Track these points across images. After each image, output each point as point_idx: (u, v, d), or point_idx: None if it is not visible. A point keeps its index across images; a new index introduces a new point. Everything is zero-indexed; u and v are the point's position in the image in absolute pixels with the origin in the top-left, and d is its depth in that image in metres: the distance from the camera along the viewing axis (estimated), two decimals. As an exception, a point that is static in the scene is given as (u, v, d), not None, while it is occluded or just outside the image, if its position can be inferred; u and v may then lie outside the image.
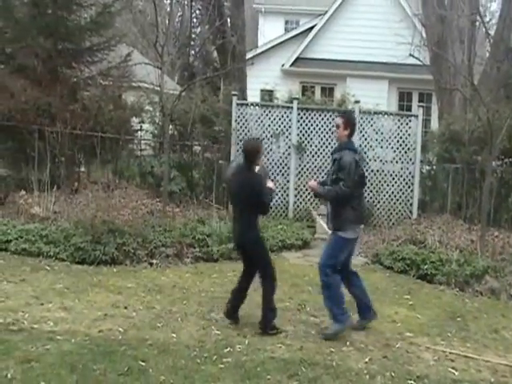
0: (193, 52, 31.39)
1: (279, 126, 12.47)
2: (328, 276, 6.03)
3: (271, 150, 12.49)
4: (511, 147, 11.67)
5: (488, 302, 7.68)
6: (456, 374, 5.32)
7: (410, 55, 13.33)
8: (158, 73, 12.50)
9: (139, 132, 14.14)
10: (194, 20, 31.83)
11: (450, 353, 5.79)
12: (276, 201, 12.29)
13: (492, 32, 15.87)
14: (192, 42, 30.66)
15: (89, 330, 5.73)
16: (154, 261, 8.45)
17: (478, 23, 16.18)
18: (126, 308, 6.46)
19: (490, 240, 9.58)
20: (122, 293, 7.01)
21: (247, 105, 12.77)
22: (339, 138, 6.19)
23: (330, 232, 6.26)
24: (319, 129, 12.43)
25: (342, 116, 6.34)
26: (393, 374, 5.17)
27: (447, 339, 6.18)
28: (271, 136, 12.44)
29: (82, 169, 12.85)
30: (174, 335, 5.73)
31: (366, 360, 5.47)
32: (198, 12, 29.91)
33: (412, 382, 5.06)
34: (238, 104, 12.55)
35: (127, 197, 10.61)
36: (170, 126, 12.46)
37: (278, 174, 12.40)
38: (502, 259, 8.81)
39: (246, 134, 12.44)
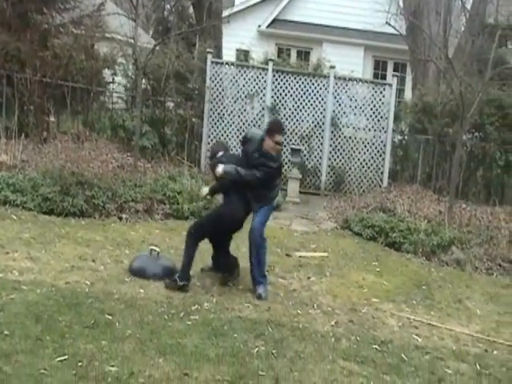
0: (168, 6, 30.64)
1: (254, 87, 12.34)
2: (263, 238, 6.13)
3: (245, 110, 12.37)
4: (482, 122, 11.80)
5: (453, 273, 7.81)
6: (419, 340, 5.41)
7: (387, 23, 13.21)
8: (132, 25, 12.11)
9: (111, 84, 13.79)
10: (171, -28, 30.99)
11: (415, 320, 5.89)
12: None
13: (468, 6, 15.85)
14: (168, -4, 29.89)
15: (55, 281, 5.62)
16: (124, 215, 8.33)
17: (454, -5, 16.13)
18: (93, 261, 6.35)
19: (458, 212, 9.70)
20: (89, 246, 6.89)
21: (222, 63, 12.57)
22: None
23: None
24: (293, 92, 12.33)
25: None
26: (358, 338, 5.22)
27: (412, 307, 6.27)
28: (245, 96, 12.31)
29: (52, 118, 12.48)
30: (142, 290, 5.67)
31: (332, 323, 5.52)
32: (175, -36, 29.09)
33: (376, 346, 5.12)
34: (212, 62, 12.34)
35: (97, 149, 10.36)
36: (143, 81, 12.19)
37: (251, 136, 12.27)
38: (468, 231, 8.94)
39: (220, 93, 12.28)
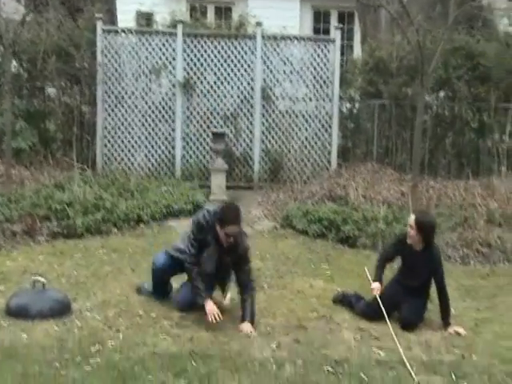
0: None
1: (160, 59, 12.31)
2: None
3: (150, 90, 12.34)
4: (448, 76, 12.09)
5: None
6: (382, 354, 5.55)
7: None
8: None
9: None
10: None
11: (375, 330, 6.04)
12: (159, 155, 12.22)
13: None
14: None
15: None
16: (-3, 241, 8.23)
17: None
18: (-42, 305, 6.25)
19: (424, 191, 9.97)
20: (-49, 285, 6.77)
21: (117, 32, 12.49)
22: None
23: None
24: (212, 60, 12.36)
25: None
26: (306, 361, 5.31)
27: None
28: (150, 72, 12.28)
29: None
30: (25, 335, 5.60)
31: (273, 347, 5.60)
32: None
33: (329, 368, 5.22)
34: (104, 31, 12.25)
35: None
36: (14, 63, 11.99)
37: (159, 121, 12.28)
38: (438, 214, 9.19)
39: (116, 71, 12.20)
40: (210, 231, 6.01)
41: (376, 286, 6.37)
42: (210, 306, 5.92)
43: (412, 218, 6.22)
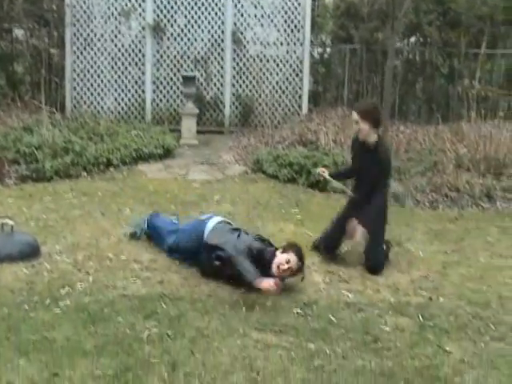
0: None
1: (129, 0, 12.13)
2: None
3: (120, 32, 12.16)
4: (419, 21, 12.03)
5: (390, 210, 7.95)
6: (350, 296, 5.58)
7: None
8: None
9: None
10: None
11: (344, 273, 6.06)
12: (129, 99, 12.07)
13: None
14: None
15: None
16: (-36, 185, 8.11)
17: None
18: None
19: (394, 136, 9.96)
20: None
21: (86, -28, 12.21)
22: None
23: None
24: (182, 3, 12.32)
25: None
26: (275, 304, 5.32)
27: (342, 256, 6.47)
28: (119, 14, 12.11)
29: None
30: (-7, 278, 5.56)
31: (242, 290, 5.58)
32: None
33: (298, 310, 5.24)
34: (71, -32, 11.96)
35: None
36: (-21, 4, 11.71)
37: (129, 64, 12.11)
38: (407, 158, 9.23)
39: (85, 12, 11.96)
40: None
41: (322, 168, 6.67)
42: (265, 282, 5.34)
43: (353, 113, 6.11)
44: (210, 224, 5.98)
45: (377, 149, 6.13)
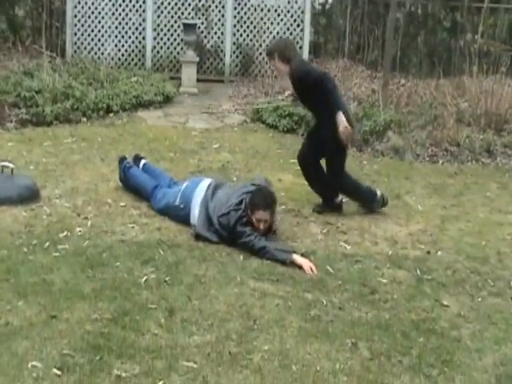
0: None
1: None
2: None
3: (121, -23, 11.91)
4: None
5: (390, 164, 8.02)
6: (348, 248, 5.56)
7: None
8: None
9: None
10: None
11: (342, 224, 6.03)
12: (129, 46, 11.91)
13: None
14: None
15: None
16: (-36, 128, 8.05)
17: None
18: None
19: (395, 89, 9.88)
20: None
21: None
22: None
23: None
24: None
25: None
26: (273, 253, 5.30)
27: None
28: (120, -42, 11.82)
29: None
30: (-7, 220, 5.54)
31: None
32: None
33: (296, 259, 5.23)
34: None
35: None
36: None
37: (130, 11, 11.89)
38: (408, 112, 9.17)
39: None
40: None
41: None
42: (302, 259, 5.24)
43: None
44: (197, 199, 5.75)
45: (293, 75, 6.05)
